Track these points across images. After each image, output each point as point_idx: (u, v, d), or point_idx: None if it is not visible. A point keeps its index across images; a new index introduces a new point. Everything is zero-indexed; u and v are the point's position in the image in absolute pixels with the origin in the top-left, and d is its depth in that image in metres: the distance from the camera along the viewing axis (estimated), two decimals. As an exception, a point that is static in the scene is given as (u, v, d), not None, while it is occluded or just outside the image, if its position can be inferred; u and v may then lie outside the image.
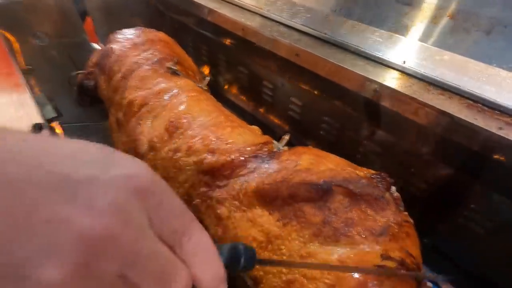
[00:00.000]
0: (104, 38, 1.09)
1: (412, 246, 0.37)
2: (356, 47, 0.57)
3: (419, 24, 0.53)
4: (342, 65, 0.57)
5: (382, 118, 0.58)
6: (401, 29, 0.55)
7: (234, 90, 1.00)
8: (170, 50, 0.75)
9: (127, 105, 0.60)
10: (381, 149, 0.62)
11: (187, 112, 0.58)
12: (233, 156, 0.50)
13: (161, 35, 0.81)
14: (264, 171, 0.46)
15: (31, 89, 0.87)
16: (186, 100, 0.60)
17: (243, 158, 0.50)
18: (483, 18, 0.48)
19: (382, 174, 0.43)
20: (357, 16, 0.59)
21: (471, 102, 0.47)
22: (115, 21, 1.15)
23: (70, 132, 0.79)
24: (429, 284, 0.38)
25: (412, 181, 0.60)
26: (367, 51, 0.56)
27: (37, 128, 0.62)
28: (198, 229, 0.23)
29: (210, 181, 0.50)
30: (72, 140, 0.20)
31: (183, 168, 0.53)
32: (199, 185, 0.51)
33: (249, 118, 0.94)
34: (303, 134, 0.79)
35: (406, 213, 0.41)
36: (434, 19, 0.52)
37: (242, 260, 0.25)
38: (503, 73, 0.46)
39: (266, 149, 0.51)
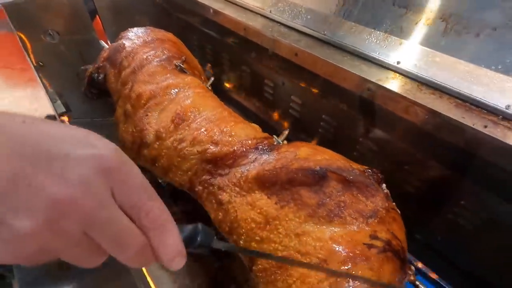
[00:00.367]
0: (113, 37, 1.13)
1: (399, 231, 0.40)
2: (353, 47, 0.60)
3: (413, 26, 0.56)
4: (338, 65, 0.59)
5: (376, 117, 0.61)
6: (396, 30, 0.57)
7: (236, 88, 1.03)
8: (177, 49, 0.79)
9: (136, 98, 0.64)
10: (376, 147, 0.65)
11: (193, 106, 0.61)
12: (235, 147, 0.53)
13: (170, 35, 0.85)
14: (264, 161, 0.49)
15: (44, 84, 0.90)
16: (193, 96, 0.63)
17: (244, 149, 0.53)
18: (473, 21, 0.51)
19: (374, 169, 0.46)
20: (355, 18, 0.62)
21: (459, 101, 0.50)
22: (123, 20, 1.19)
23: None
24: (413, 267, 0.40)
25: (405, 178, 0.62)
26: (363, 51, 0.59)
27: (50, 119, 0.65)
28: (157, 206, 0.26)
29: (213, 169, 0.53)
30: (61, 124, 0.26)
31: (187, 157, 0.56)
32: (202, 173, 0.54)
33: (250, 116, 0.97)
34: (302, 132, 0.82)
35: (394, 203, 0.44)
36: (428, 22, 0.55)
37: (199, 237, 0.29)
38: (491, 73, 0.49)
39: (266, 142, 0.54)
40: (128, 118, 0.65)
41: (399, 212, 0.45)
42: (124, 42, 0.77)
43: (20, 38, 1.02)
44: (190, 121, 0.59)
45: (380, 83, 0.55)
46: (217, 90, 0.78)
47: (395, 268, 0.37)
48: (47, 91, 0.90)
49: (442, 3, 0.53)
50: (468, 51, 0.51)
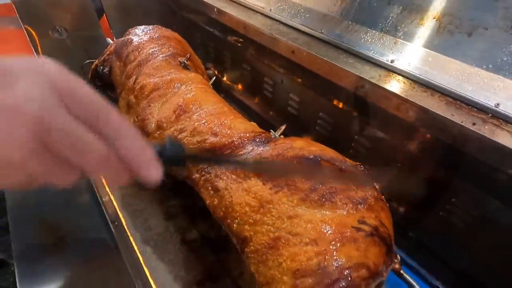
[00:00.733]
0: (118, 35, 1.16)
1: (386, 219, 0.42)
2: (349, 46, 0.62)
3: (408, 26, 0.58)
4: (333, 63, 0.61)
5: (370, 114, 0.62)
6: (391, 29, 0.59)
7: (237, 85, 1.05)
8: (182, 48, 0.82)
9: (140, 89, 0.66)
10: (369, 144, 0.66)
11: (195, 99, 0.63)
12: (234, 138, 0.55)
13: (176, 34, 0.88)
14: (261, 151, 0.51)
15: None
16: (195, 90, 0.66)
17: (242, 141, 0.55)
18: (466, 21, 0.52)
19: (365, 165, 0.48)
20: (352, 17, 0.65)
21: (450, 99, 0.51)
22: (129, 18, 1.22)
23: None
24: (398, 257, 0.42)
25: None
26: (358, 50, 0.61)
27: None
28: (115, 115, 0.27)
29: (211, 158, 0.55)
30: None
31: (186, 147, 0.58)
32: (201, 162, 0.56)
33: (249, 113, 0.99)
34: (300, 129, 0.84)
35: (383, 197, 0.46)
36: (422, 21, 0.57)
37: (168, 147, 0.30)
38: (482, 72, 0.50)
39: (264, 135, 0.56)
40: (131, 108, 0.67)
41: (387, 205, 0.46)
42: (131, 37, 0.80)
43: (29, 34, 1.05)
44: (191, 113, 0.61)
45: (373, 81, 0.56)
46: (218, 88, 0.80)
47: (381, 252, 0.38)
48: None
49: (436, 3, 0.55)
50: (460, 50, 0.52)
